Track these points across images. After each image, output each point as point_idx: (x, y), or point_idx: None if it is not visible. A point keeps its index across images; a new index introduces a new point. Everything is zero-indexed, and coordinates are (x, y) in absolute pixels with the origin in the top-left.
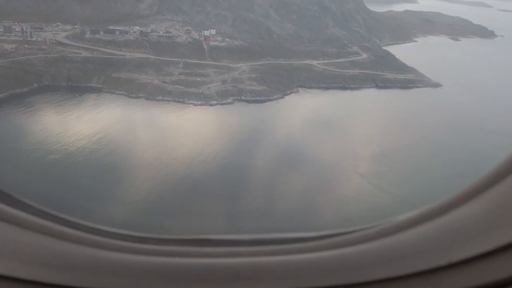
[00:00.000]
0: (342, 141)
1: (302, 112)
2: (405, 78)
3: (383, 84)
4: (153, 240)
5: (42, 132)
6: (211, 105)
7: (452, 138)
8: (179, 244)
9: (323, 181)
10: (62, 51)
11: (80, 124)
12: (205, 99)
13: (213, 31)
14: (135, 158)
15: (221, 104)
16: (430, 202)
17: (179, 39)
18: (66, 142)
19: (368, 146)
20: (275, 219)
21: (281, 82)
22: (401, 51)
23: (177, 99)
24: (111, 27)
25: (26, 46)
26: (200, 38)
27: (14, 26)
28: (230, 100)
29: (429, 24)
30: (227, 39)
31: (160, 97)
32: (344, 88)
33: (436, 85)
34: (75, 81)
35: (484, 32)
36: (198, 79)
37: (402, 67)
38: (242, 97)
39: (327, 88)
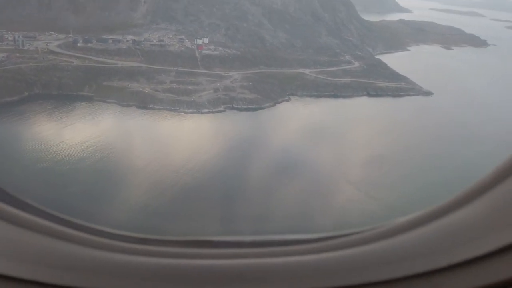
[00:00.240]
0: (331, 148)
1: (292, 120)
2: (397, 87)
3: (374, 92)
4: (155, 241)
5: (30, 140)
6: (202, 113)
7: (441, 146)
8: (180, 246)
9: (311, 188)
10: (53, 59)
11: (69, 133)
12: (196, 107)
13: (206, 40)
14: (122, 166)
15: (213, 112)
16: (416, 209)
17: (172, 47)
18: (54, 150)
19: (358, 154)
20: (259, 228)
21: (273, 90)
22: (393, 60)
23: (168, 107)
24: (104, 36)
25: (17, 55)
26: (193, 47)
27: (6, 35)
28: (221, 108)
29: (422, 33)
30: (220, 48)
31: (151, 105)
32: (336, 96)
33: (428, 93)
34: (66, 90)
35: (476, 41)
36: (190, 87)
37: (394, 76)
38: (234, 105)
39: (318, 96)
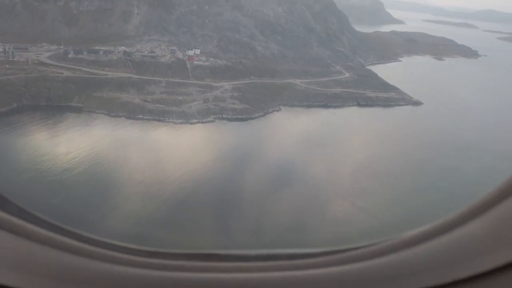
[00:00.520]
0: (319, 158)
1: (282, 130)
2: (387, 97)
3: (364, 102)
4: (159, 254)
5: (15, 151)
6: (191, 123)
7: (426, 154)
8: (187, 259)
9: (296, 199)
10: (43, 71)
11: (55, 144)
12: (185, 118)
13: (197, 51)
14: (105, 177)
15: (202, 122)
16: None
17: (163, 58)
18: (38, 161)
19: (345, 163)
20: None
21: (263, 100)
22: (385, 70)
23: (157, 117)
24: (96, 47)
25: (7, 66)
26: (184, 58)
27: None
28: (211, 118)
29: (414, 44)
30: (211, 59)
31: (141, 116)
32: (326, 106)
33: (417, 103)
34: (55, 101)
35: (468, 52)
36: (180, 97)
37: (384, 86)
38: (224, 116)
39: (309, 106)
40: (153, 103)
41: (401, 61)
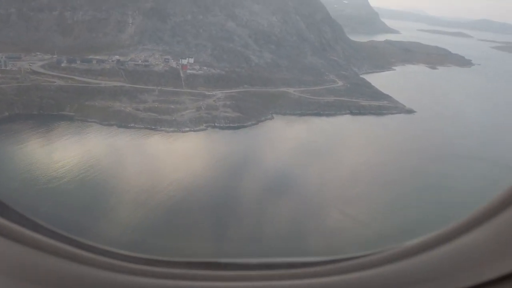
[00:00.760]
0: (310, 165)
1: (273, 138)
2: (379, 105)
3: (357, 110)
4: (163, 262)
5: (4, 160)
6: (183, 131)
7: (418, 163)
8: (188, 267)
9: (285, 206)
10: (36, 79)
11: (44, 152)
12: (177, 126)
13: (191, 60)
14: (94, 186)
15: (194, 130)
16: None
17: (156, 67)
18: (27, 170)
19: (335, 171)
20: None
21: (256, 109)
22: (378, 79)
23: (149, 126)
24: (90, 57)
25: None
26: (178, 67)
27: None
28: (203, 126)
29: (408, 53)
30: (205, 68)
31: (132, 124)
32: (319, 114)
33: (410, 111)
34: (47, 110)
35: (461, 61)
36: (172, 106)
37: (377, 94)
38: (216, 124)
39: (302, 114)
40: (145, 112)
41: (395, 70)
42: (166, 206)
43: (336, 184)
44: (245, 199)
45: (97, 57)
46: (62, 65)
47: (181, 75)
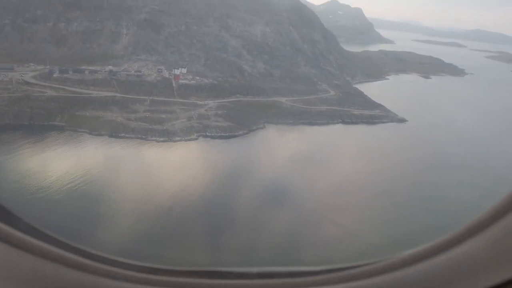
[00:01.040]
0: (299, 174)
1: (264, 147)
2: (371, 114)
3: (349, 119)
4: (162, 271)
5: None
6: (174, 141)
7: (407, 171)
8: (188, 276)
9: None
10: (27, 90)
11: (32, 162)
12: (168, 136)
13: (184, 70)
14: (80, 196)
15: (185, 140)
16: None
17: (149, 77)
18: (15, 180)
19: (325, 180)
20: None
21: (248, 118)
22: (371, 88)
23: (140, 136)
24: (83, 67)
25: None
26: (170, 77)
27: None
28: (194, 136)
29: (401, 62)
30: (197, 78)
31: (123, 134)
32: (311, 124)
33: (402, 120)
34: (38, 120)
35: (454, 70)
36: (164, 116)
37: (369, 104)
38: (207, 133)
39: (294, 124)
40: (136, 122)
41: (388, 79)
42: (151, 216)
43: (326, 193)
44: (233, 208)
45: (90, 67)
46: (54, 75)
47: (174, 85)
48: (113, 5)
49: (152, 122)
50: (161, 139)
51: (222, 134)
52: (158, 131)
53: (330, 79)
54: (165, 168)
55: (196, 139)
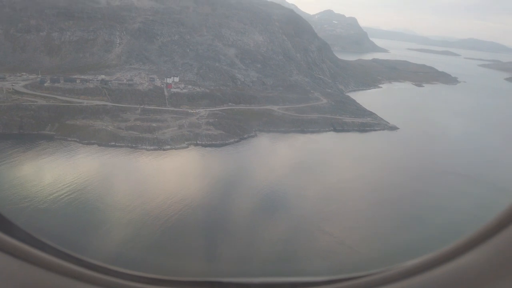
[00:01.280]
0: (288, 182)
1: (255, 155)
2: (363, 122)
3: (341, 127)
4: (164, 281)
5: None
6: (164, 149)
7: (395, 179)
8: (190, 286)
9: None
10: (17, 99)
11: (19, 172)
12: (158, 144)
13: (176, 79)
14: (65, 205)
15: (175, 148)
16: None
17: (140, 86)
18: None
19: (313, 187)
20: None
21: (239, 126)
22: (364, 96)
23: (130, 144)
24: (75, 76)
25: None
26: (162, 86)
27: None
28: (184, 144)
29: (395, 71)
30: (189, 86)
31: (113, 143)
32: (302, 131)
33: (393, 128)
34: (28, 129)
35: (447, 78)
36: (154, 124)
37: (361, 111)
38: (198, 142)
39: (285, 132)
40: (126, 130)
41: (381, 87)
42: (138, 224)
43: (314, 201)
44: (220, 216)
45: (83, 76)
46: (45, 84)
47: (165, 93)
48: (107, 15)
49: (143, 131)
50: (151, 147)
51: (213, 142)
52: (149, 140)
53: (322, 87)
54: (153, 177)
55: (187, 147)
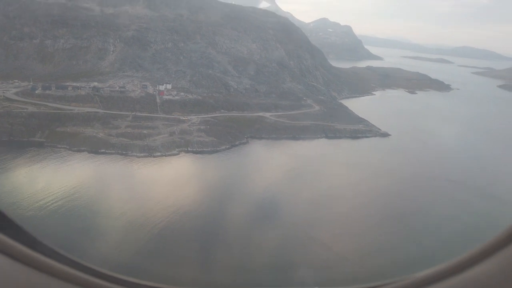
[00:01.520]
0: (279, 189)
1: (246, 162)
2: (355, 129)
3: (332, 134)
4: None
5: None
6: (154, 156)
7: (385, 184)
8: None
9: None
10: (8, 106)
11: (6, 179)
12: (149, 151)
13: (169, 86)
14: (50, 213)
15: (165, 155)
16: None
17: (133, 93)
18: None
19: (302, 194)
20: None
21: (231, 133)
22: (357, 104)
23: (120, 151)
24: (67, 83)
25: None
26: (155, 93)
27: None
28: (175, 151)
29: (388, 78)
30: (182, 93)
31: (103, 150)
32: (294, 138)
33: (385, 134)
34: (17, 136)
35: (440, 86)
36: (145, 131)
37: (353, 118)
38: (189, 148)
39: (277, 138)
40: (117, 137)
41: (374, 94)
42: (123, 231)
43: (302, 207)
44: (207, 223)
45: (75, 84)
46: (37, 92)
47: (157, 100)
48: (101, 22)
49: (133, 138)
50: (142, 154)
51: (204, 149)
52: (139, 147)
53: (315, 94)
54: (140, 184)
55: (178, 154)
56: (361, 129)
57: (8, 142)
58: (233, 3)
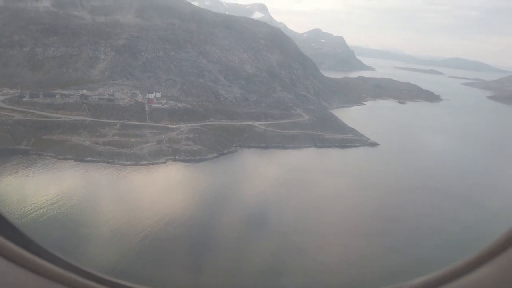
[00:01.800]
0: (264, 198)
1: (232, 171)
2: (343, 138)
3: (321, 143)
4: None
5: None
6: (141, 165)
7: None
8: None
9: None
10: None
11: None
12: (136, 160)
13: (158, 94)
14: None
15: (152, 163)
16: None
17: (121, 101)
18: None
19: (288, 203)
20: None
21: (219, 142)
22: (347, 113)
23: (106, 159)
24: (56, 91)
25: None
26: (144, 101)
27: None
28: (162, 159)
29: (379, 89)
30: (171, 102)
31: (89, 158)
32: (283, 147)
33: (373, 144)
34: (3, 144)
35: (430, 96)
36: (133, 139)
37: (342, 128)
38: (177, 157)
39: (266, 147)
40: (104, 145)
41: (365, 104)
42: (104, 240)
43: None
44: (189, 232)
45: (64, 91)
46: (24, 99)
47: (146, 109)
48: (92, 31)
49: (120, 146)
50: (128, 162)
51: (192, 157)
52: (126, 155)
53: (305, 104)
54: (125, 192)
55: (165, 162)
56: (349, 139)
57: None
58: (226, 13)
